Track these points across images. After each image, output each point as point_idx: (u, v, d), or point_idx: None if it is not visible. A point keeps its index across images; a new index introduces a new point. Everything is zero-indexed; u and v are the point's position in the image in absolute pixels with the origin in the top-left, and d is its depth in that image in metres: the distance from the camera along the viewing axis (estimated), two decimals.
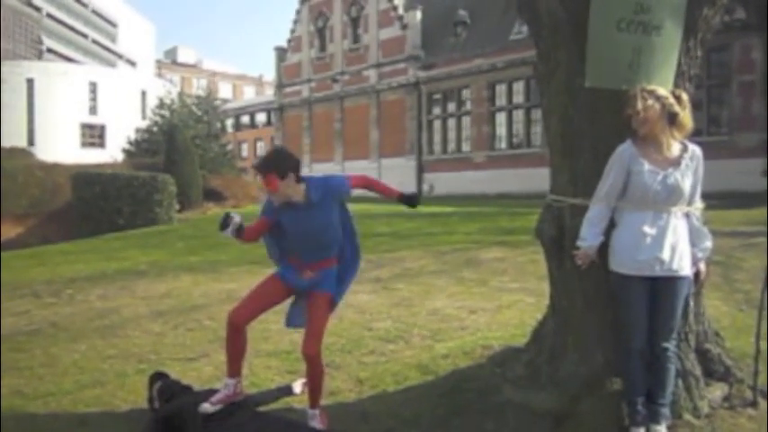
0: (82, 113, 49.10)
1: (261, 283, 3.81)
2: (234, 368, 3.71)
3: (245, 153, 58.40)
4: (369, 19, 32.11)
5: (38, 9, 63.30)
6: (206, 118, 30.77)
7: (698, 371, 3.53)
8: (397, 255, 10.36)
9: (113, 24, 77.25)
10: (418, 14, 30.07)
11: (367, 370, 4.80)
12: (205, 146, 27.25)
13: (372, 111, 31.53)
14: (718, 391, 3.56)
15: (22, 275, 10.89)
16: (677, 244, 3.19)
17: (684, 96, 3.24)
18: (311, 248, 3.67)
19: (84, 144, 48.26)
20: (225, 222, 3.51)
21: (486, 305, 6.73)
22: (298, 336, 3.88)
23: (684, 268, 3.22)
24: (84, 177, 19.75)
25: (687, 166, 3.20)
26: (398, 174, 29.48)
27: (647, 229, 3.17)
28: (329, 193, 3.61)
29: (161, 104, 30.94)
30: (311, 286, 3.71)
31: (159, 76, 66.78)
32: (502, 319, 6.11)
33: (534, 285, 7.10)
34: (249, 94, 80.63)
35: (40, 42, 62.49)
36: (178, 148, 21.78)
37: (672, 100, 3.17)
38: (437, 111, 29.24)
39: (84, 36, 72.48)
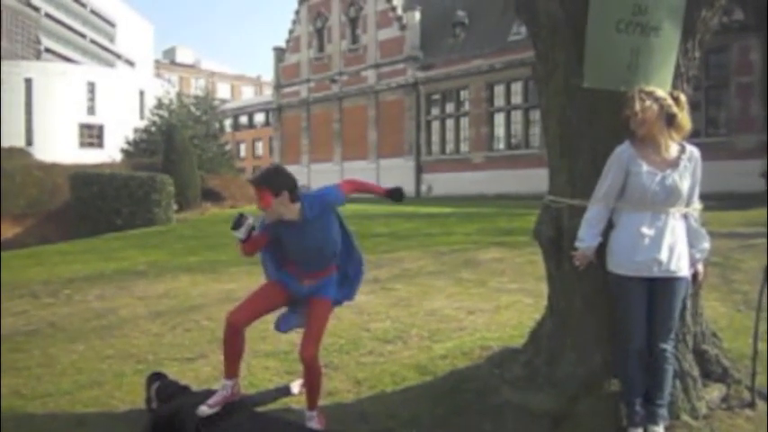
0: (80, 113, 49.09)
1: (261, 286, 3.81)
2: (231, 370, 3.71)
3: (243, 153, 58.42)
4: (367, 19, 32.12)
5: (36, 9, 63.27)
6: (204, 118, 30.78)
7: (696, 372, 3.53)
8: (396, 255, 10.36)
9: (112, 24, 77.23)
10: (417, 15, 30.09)
11: (365, 370, 4.80)
12: (203, 146, 27.26)
13: (371, 111, 31.55)
14: (715, 391, 3.56)
15: (20, 275, 10.88)
16: (675, 245, 3.19)
17: (683, 97, 3.25)
18: (310, 260, 3.67)
19: (83, 144, 48.25)
20: (239, 222, 3.50)
21: (485, 306, 6.73)
22: (296, 336, 3.88)
23: (682, 269, 3.22)
24: (83, 177, 19.74)
25: (685, 167, 3.21)
26: (397, 174, 29.47)
27: (645, 230, 3.17)
28: (326, 208, 3.59)
29: (159, 104, 30.96)
30: (311, 293, 3.71)
31: (158, 76, 66.74)
32: (500, 320, 6.11)
33: (532, 286, 7.11)
34: (248, 95, 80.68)
35: (39, 42, 62.44)
36: (176, 148, 21.76)
37: (670, 101, 3.18)
38: (436, 111, 29.26)
39: (83, 36, 72.47)
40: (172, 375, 4.40)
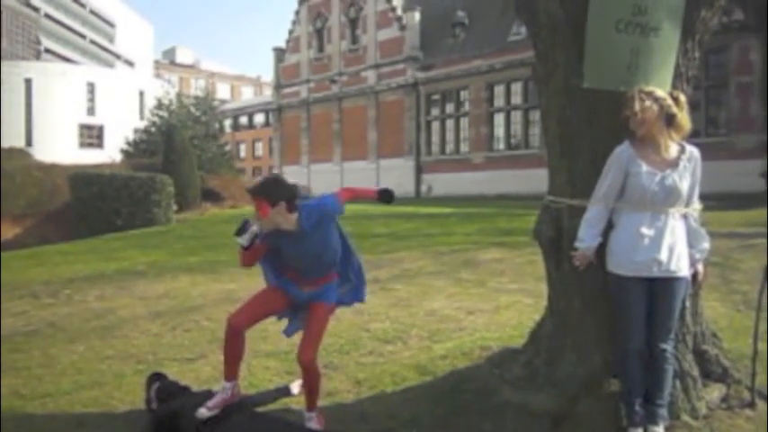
0: (80, 114, 49.10)
1: (262, 290, 3.82)
2: (231, 371, 3.71)
3: (243, 154, 58.46)
4: (367, 20, 32.13)
5: (36, 9, 63.28)
6: (204, 118, 30.80)
7: (696, 372, 3.53)
8: (396, 255, 10.35)
9: (111, 25, 77.24)
10: (417, 15, 30.10)
11: (365, 371, 4.80)
12: (203, 146, 27.27)
13: (371, 111, 31.55)
14: (715, 392, 3.56)
15: (20, 276, 10.88)
16: (675, 245, 3.19)
17: (682, 98, 3.25)
18: (310, 268, 3.68)
19: (83, 144, 48.26)
20: (243, 228, 3.51)
21: (485, 306, 6.73)
22: (297, 337, 3.88)
23: (682, 269, 3.22)
24: (83, 178, 19.74)
25: (685, 167, 3.21)
26: (397, 174, 29.50)
27: (644, 230, 3.17)
28: (324, 218, 3.59)
29: (159, 105, 30.98)
30: (311, 298, 3.72)
31: (157, 76, 66.79)
32: (500, 320, 6.11)
33: (532, 286, 7.11)
34: (247, 95, 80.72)
35: (38, 42, 62.46)
36: (176, 148, 21.77)
37: (670, 101, 3.18)
38: (435, 112, 29.27)
39: (83, 36, 72.49)
40: (172, 376, 4.40)
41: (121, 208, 19.00)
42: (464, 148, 28.02)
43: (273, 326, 5.73)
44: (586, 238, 3.31)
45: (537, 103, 4.46)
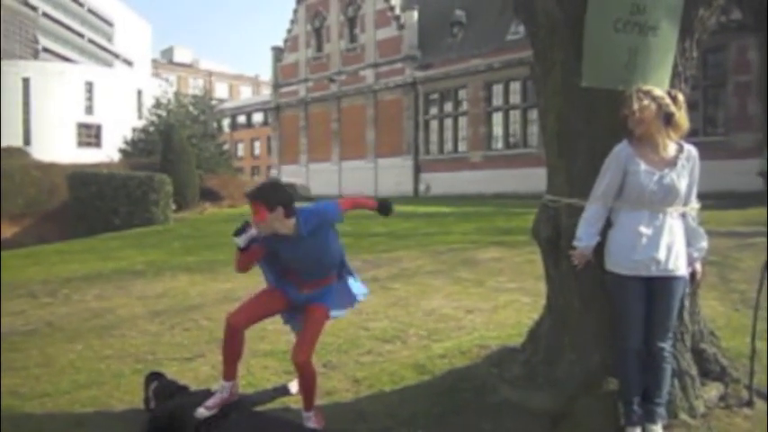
0: (78, 113, 49.10)
1: (262, 290, 3.83)
2: (230, 371, 3.71)
3: (241, 153, 58.41)
4: (365, 19, 32.11)
5: (34, 8, 63.20)
6: (202, 118, 30.76)
7: (694, 370, 3.54)
8: (394, 255, 10.35)
9: (110, 24, 77.16)
10: (415, 14, 30.09)
11: (364, 370, 4.80)
12: (201, 145, 27.23)
13: (369, 111, 31.54)
14: (714, 390, 3.57)
15: (18, 275, 10.86)
16: (673, 244, 3.19)
17: (680, 97, 3.25)
18: (309, 270, 3.69)
19: (81, 144, 48.26)
20: (242, 230, 3.52)
21: (483, 305, 6.73)
22: (295, 336, 3.88)
23: (680, 268, 3.23)
24: (81, 177, 19.71)
25: (683, 166, 3.21)
26: (395, 174, 29.52)
27: (643, 229, 3.17)
28: (323, 224, 3.60)
29: (157, 104, 30.93)
30: (309, 300, 3.73)
31: (155, 75, 66.75)
32: (498, 319, 6.12)
33: (531, 285, 7.11)
34: (246, 94, 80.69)
35: (36, 42, 62.40)
36: (174, 147, 21.74)
37: (668, 100, 3.18)
38: (434, 111, 29.26)
39: (81, 35, 72.43)
40: (170, 375, 4.40)
41: (120, 207, 18.96)
42: (462, 147, 28.02)
43: (272, 325, 5.74)
44: (585, 237, 3.31)
45: (535, 102, 4.47)
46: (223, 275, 9.50)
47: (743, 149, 18.98)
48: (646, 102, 3.15)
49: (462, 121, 28.09)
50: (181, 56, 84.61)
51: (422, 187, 28.99)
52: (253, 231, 3.52)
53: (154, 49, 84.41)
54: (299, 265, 3.66)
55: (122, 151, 29.77)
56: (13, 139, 38.49)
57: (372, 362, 5.00)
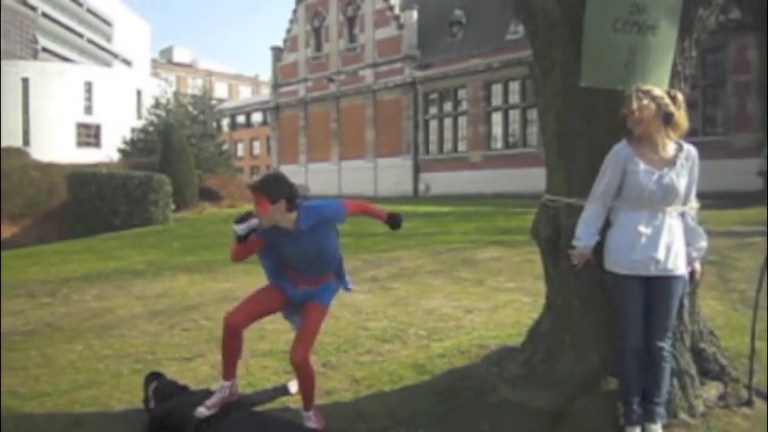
0: (77, 113, 49.08)
1: (260, 289, 3.81)
2: (229, 370, 3.71)
3: (240, 153, 58.39)
4: (365, 19, 32.11)
5: (33, 8, 63.17)
6: (202, 117, 30.75)
7: (693, 370, 3.54)
8: (394, 254, 10.35)
9: (109, 24, 77.13)
10: (414, 14, 30.08)
11: (363, 369, 4.80)
12: (201, 145, 27.23)
13: (368, 110, 31.53)
14: (713, 390, 3.57)
15: (17, 275, 10.86)
16: (672, 244, 3.20)
17: (680, 96, 3.25)
18: (307, 267, 3.68)
19: (80, 144, 48.25)
20: (244, 218, 3.53)
21: (483, 305, 6.73)
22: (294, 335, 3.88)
23: (679, 268, 3.23)
24: (80, 177, 19.71)
25: (682, 165, 3.21)
26: (395, 174, 29.53)
27: (642, 228, 3.18)
28: (322, 221, 3.59)
29: (156, 104, 30.92)
30: (306, 297, 3.71)
31: (155, 75, 66.71)
32: (498, 319, 6.12)
33: (530, 285, 7.11)
34: (245, 94, 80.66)
35: (36, 42, 62.38)
36: (174, 147, 21.74)
37: (667, 100, 3.18)
38: (433, 110, 29.26)
39: (80, 35, 72.40)
40: (170, 375, 4.40)
41: (119, 207, 18.97)
42: (462, 146, 28.01)
43: (271, 325, 5.76)
44: (584, 236, 3.31)
45: (535, 101, 4.46)
46: (222, 275, 9.51)
47: (742, 149, 18.99)
48: (645, 101, 3.15)
49: (462, 120, 28.09)
50: (180, 56, 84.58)
51: (421, 187, 28.98)
52: (254, 221, 3.51)
53: (153, 49, 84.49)
54: (297, 260, 3.65)
55: (121, 151, 29.76)
56: (12, 139, 38.48)
57: (372, 361, 5.00)
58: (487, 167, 26.50)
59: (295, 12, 35.94)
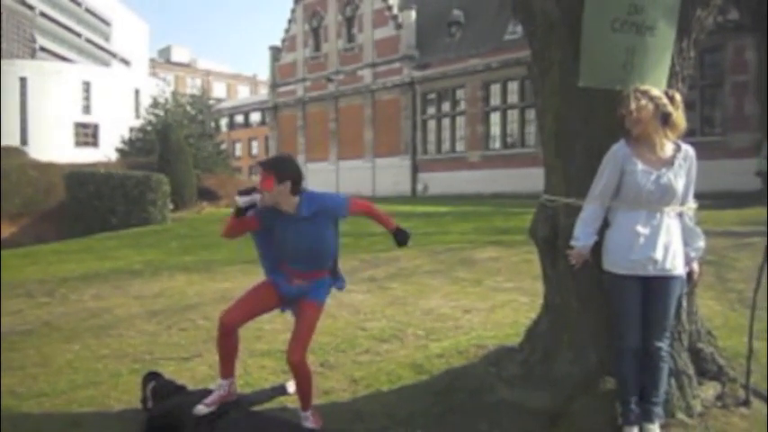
0: (75, 112, 49.02)
1: (254, 287, 3.78)
2: (227, 369, 3.71)
3: (239, 152, 58.36)
4: (363, 19, 32.10)
5: (31, 7, 63.09)
6: (200, 117, 30.75)
7: (691, 370, 3.54)
8: (392, 254, 10.34)
9: (107, 23, 77.06)
10: (413, 14, 30.08)
11: (361, 369, 4.80)
12: (199, 145, 27.23)
13: (367, 110, 31.53)
14: (710, 390, 3.58)
15: (15, 275, 10.84)
16: (670, 244, 3.20)
17: (678, 97, 3.26)
18: (302, 259, 3.64)
19: (78, 143, 48.19)
20: (248, 191, 3.54)
21: (481, 305, 6.73)
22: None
23: (677, 268, 3.23)
24: (78, 177, 19.69)
25: (680, 165, 3.22)
26: (393, 173, 29.53)
27: (640, 228, 3.18)
28: (323, 211, 3.58)
29: (155, 104, 30.91)
30: (300, 294, 3.68)
31: (153, 75, 66.67)
32: (496, 319, 6.12)
33: (528, 285, 7.12)
34: (243, 94, 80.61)
35: (34, 41, 62.31)
36: (172, 147, 21.72)
37: (665, 100, 3.19)
38: (432, 110, 29.26)
39: (78, 35, 72.32)
40: (168, 375, 4.39)
41: (117, 207, 18.95)
42: (460, 146, 28.02)
43: (269, 325, 5.76)
44: (582, 236, 3.32)
45: (533, 101, 4.46)
46: (220, 275, 9.50)
47: (740, 149, 19.02)
48: (643, 101, 3.15)
49: (460, 120, 28.09)
50: (178, 55, 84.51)
51: (420, 187, 28.99)
52: (257, 196, 3.52)
53: (151, 49, 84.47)
54: (293, 249, 3.61)
55: (120, 151, 29.74)
56: (11, 138, 38.42)
57: (370, 361, 5.00)
58: (486, 167, 26.50)
59: (293, 12, 35.93)
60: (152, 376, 4.19)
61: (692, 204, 3.34)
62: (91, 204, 18.89)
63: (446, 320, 6.18)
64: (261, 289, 3.76)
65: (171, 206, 20.28)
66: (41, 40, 64.07)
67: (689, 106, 3.56)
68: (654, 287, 3.21)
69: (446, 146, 28.62)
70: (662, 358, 3.25)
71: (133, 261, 11.81)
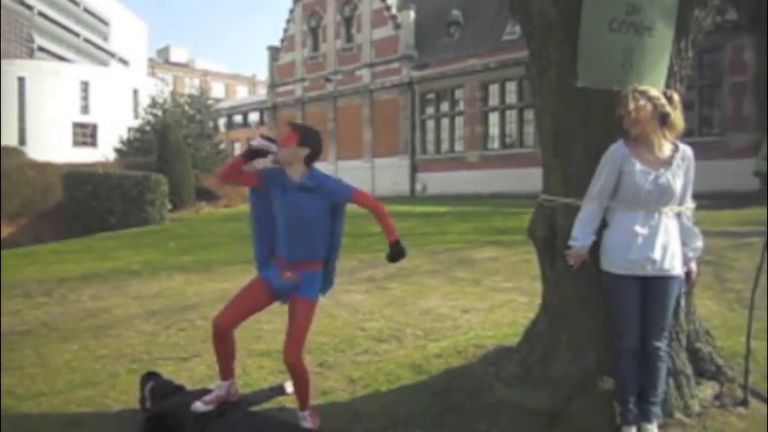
0: (74, 112, 48.94)
1: (245, 287, 3.74)
2: (226, 371, 3.70)
3: (237, 152, 58.26)
4: (362, 18, 32.08)
5: (29, 7, 63.01)
6: (198, 117, 30.70)
7: (689, 370, 3.55)
8: None
9: (105, 23, 76.97)
10: (411, 14, 30.06)
11: (360, 369, 4.80)
12: (197, 145, 27.19)
13: (365, 110, 31.51)
14: (709, 389, 3.58)
15: (13, 275, 10.83)
16: (668, 244, 3.20)
17: (676, 97, 3.26)
18: (295, 240, 3.57)
19: (76, 143, 48.11)
20: (268, 138, 3.65)
21: (479, 305, 6.74)
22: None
23: (676, 268, 3.24)
24: (76, 177, 19.68)
25: (678, 166, 3.22)
26: (392, 173, 29.51)
27: (638, 228, 3.18)
28: (325, 188, 3.57)
29: (153, 103, 30.86)
30: (292, 289, 3.64)
31: (151, 75, 66.58)
32: (495, 319, 6.13)
33: (527, 285, 7.12)
34: (242, 94, 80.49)
35: (32, 41, 62.23)
36: (170, 147, 21.71)
37: (663, 100, 3.19)
38: (430, 110, 29.25)
39: (76, 35, 72.22)
40: (166, 375, 4.39)
41: (115, 207, 18.94)
42: (459, 146, 28.01)
43: (268, 325, 5.77)
44: (580, 236, 3.32)
45: (531, 102, 4.47)
46: (219, 275, 9.50)
47: (738, 149, 19.02)
48: (641, 102, 3.15)
49: (459, 120, 28.07)
50: (177, 55, 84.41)
51: (418, 187, 28.97)
52: (273, 146, 3.61)
53: (150, 49, 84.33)
54: (284, 220, 3.57)
55: (118, 151, 29.70)
56: (9, 138, 38.35)
57: (368, 361, 5.00)
58: (484, 167, 26.50)
59: (292, 11, 35.90)
60: (150, 376, 4.19)
61: (690, 204, 3.34)
62: (89, 204, 18.88)
63: (445, 320, 6.18)
64: (252, 288, 3.73)
65: (169, 206, 20.27)
66: (40, 40, 63.99)
67: (687, 106, 3.56)
68: (652, 287, 3.21)
69: (445, 146, 28.61)
70: (660, 358, 3.25)
71: (132, 261, 11.80)
